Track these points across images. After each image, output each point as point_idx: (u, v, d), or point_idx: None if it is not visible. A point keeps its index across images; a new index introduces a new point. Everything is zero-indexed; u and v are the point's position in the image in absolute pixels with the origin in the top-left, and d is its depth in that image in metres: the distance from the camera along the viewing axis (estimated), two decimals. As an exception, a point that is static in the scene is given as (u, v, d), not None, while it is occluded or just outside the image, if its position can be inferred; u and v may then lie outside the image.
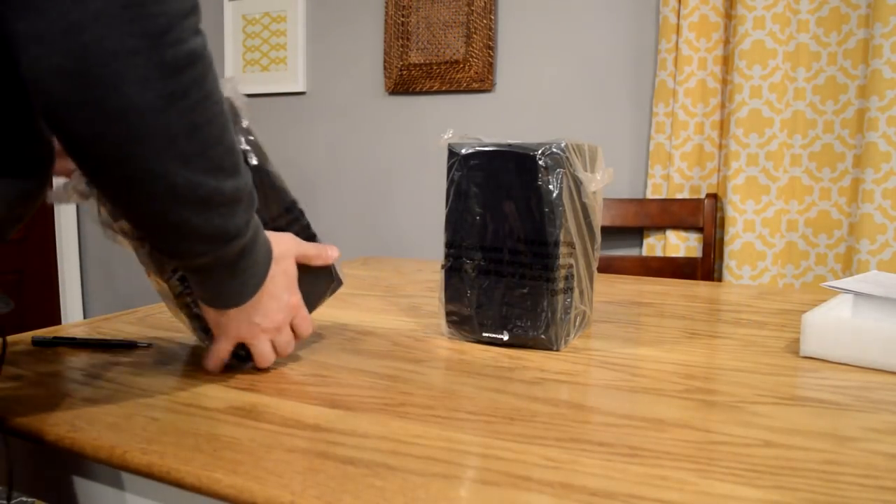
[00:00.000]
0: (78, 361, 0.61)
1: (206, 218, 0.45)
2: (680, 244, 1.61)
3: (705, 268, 1.55)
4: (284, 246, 0.57)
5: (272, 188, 0.60)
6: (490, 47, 1.80)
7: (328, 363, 0.62)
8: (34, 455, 0.51)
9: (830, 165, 1.49)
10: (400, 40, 1.90)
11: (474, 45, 1.82)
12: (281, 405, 0.50)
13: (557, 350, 0.67)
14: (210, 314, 0.55)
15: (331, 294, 0.66)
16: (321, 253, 0.62)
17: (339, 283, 0.66)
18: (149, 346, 0.67)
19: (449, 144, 0.68)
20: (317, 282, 0.63)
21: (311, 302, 0.63)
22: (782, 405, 0.51)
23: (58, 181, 0.54)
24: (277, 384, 0.56)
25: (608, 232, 1.73)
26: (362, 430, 0.46)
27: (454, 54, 1.84)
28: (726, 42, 1.56)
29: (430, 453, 0.42)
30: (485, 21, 1.80)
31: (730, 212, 1.52)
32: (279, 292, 0.56)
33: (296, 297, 0.58)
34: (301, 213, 0.63)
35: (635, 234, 1.72)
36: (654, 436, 0.45)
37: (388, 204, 2.01)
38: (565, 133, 1.77)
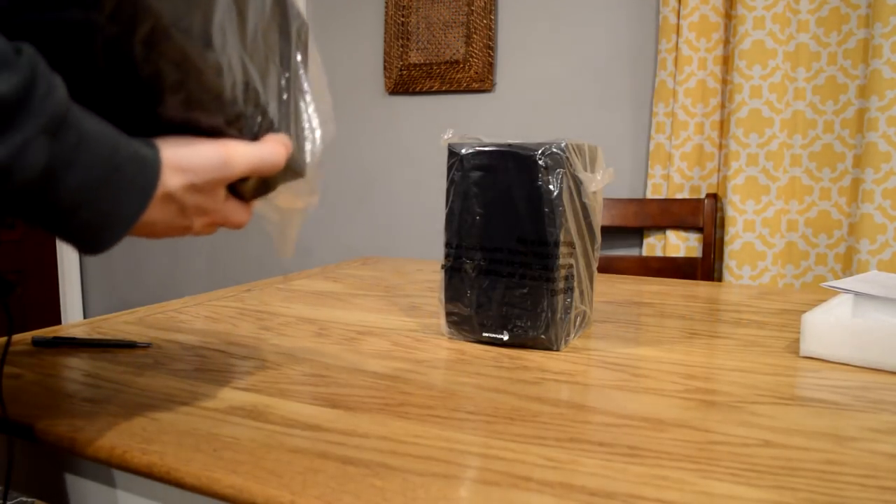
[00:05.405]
0: (78, 361, 0.61)
1: None
2: (680, 244, 1.61)
3: (705, 268, 1.55)
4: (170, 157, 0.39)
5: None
6: (490, 47, 1.80)
7: (328, 363, 0.62)
8: (33, 455, 0.51)
9: (830, 165, 1.49)
10: (400, 40, 1.90)
11: (474, 45, 1.82)
12: (281, 405, 0.50)
13: (557, 350, 0.67)
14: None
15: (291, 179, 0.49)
16: (264, 155, 0.43)
17: (299, 174, 0.49)
18: (149, 346, 0.67)
19: (449, 144, 0.69)
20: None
21: (261, 190, 0.47)
22: (782, 405, 0.51)
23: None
24: (277, 384, 0.55)
25: (608, 232, 1.73)
26: (362, 430, 0.46)
27: (454, 54, 1.84)
28: (726, 42, 1.56)
29: (430, 453, 0.42)
30: (485, 21, 1.80)
31: (730, 212, 1.52)
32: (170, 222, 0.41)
33: (204, 218, 0.43)
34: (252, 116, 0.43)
35: (635, 234, 1.72)
36: (654, 436, 0.45)
37: (388, 204, 2.01)
38: (565, 133, 1.77)
